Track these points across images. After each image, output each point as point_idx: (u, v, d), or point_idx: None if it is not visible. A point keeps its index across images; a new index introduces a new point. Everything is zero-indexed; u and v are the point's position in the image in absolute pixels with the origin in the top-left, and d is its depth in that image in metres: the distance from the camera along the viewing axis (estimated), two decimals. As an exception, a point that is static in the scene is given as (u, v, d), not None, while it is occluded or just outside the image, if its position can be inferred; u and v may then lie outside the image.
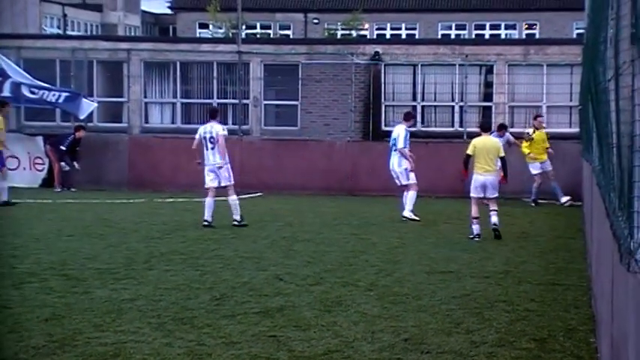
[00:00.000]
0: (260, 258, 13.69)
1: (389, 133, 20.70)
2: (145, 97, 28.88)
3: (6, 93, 26.17)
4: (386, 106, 27.93)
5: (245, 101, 28.00)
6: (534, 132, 23.03)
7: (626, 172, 5.00)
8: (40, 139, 25.76)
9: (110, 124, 28.60)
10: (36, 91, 25.93)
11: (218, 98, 28.57)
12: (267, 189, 24.87)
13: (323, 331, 9.11)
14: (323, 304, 10.38)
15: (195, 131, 18.12)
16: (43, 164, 25.83)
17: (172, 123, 28.85)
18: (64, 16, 51.77)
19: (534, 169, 22.84)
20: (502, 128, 22.54)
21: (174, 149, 25.55)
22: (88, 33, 53.56)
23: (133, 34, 58.25)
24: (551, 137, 23.52)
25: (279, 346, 8.50)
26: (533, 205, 22.36)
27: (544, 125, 23.70)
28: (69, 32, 50.75)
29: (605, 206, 7.44)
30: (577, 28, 46.66)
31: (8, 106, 22.54)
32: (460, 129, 26.79)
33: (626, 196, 4.98)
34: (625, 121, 5.23)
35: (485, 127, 16.89)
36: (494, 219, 15.98)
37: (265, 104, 28.63)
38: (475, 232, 15.89)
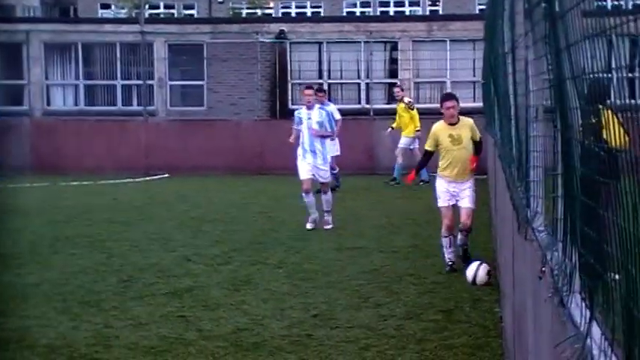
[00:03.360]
0: (168, 239, 13.59)
1: (295, 111, 20.22)
2: (47, 79, 28.29)
3: None
4: (292, 84, 27.91)
5: (150, 82, 27.65)
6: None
7: (523, 143, 5.10)
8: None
9: (10, 107, 27.94)
10: None
11: (122, 79, 28.17)
12: (174, 170, 24.64)
13: (232, 310, 9.11)
14: (232, 283, 10.38)
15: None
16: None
17: (75, 105, 28.34)
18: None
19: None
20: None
21: (78, 132, 25.17)
22: (-14, 15, 52.11)
23: (32, 15, 56.86)
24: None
25: (187, 326, 8.47)
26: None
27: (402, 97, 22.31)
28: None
29: (505, 178, 7.59)
30: (479, 4, 47.28)
31: None
32: (367, 106, 26.96)
33: (524, 167, 5.09)
34: (522, 93, 5.33)
35: None
36: None
37: (170, 85, 28.34)
38: None
